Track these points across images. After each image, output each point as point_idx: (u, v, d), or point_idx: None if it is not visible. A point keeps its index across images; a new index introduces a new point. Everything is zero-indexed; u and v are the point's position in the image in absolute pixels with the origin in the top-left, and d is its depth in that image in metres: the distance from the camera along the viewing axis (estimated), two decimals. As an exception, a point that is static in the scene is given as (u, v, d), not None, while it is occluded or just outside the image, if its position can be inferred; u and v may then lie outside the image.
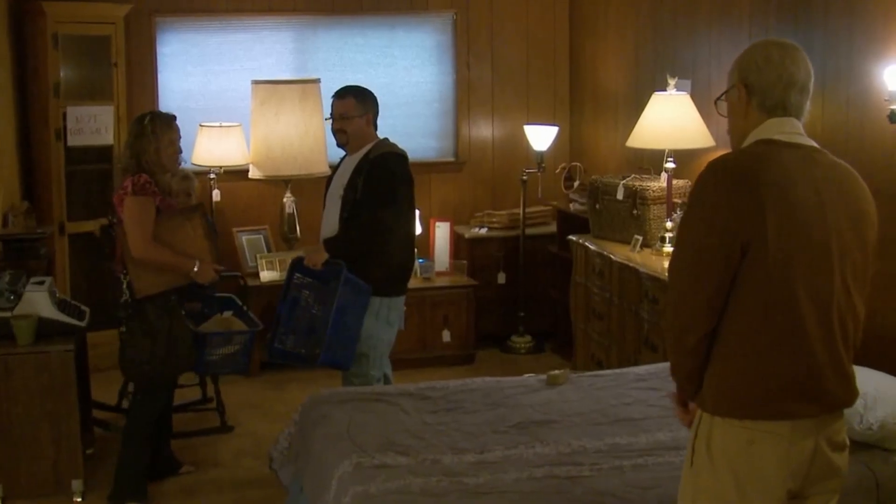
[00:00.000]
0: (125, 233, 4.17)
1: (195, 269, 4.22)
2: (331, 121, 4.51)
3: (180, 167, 4.60)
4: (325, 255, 4.30)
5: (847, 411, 3.30)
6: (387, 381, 4.54)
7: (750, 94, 2.38)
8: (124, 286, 4.22)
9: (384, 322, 4.40)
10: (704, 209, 2.29)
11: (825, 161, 2.37)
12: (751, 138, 2.38)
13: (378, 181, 4.31)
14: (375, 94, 4.54)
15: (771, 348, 2.28)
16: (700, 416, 2.37)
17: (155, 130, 4.23)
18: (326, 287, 4.28)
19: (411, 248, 4.53)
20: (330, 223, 4.43)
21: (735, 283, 2.27)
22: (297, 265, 4.40)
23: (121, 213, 4.21)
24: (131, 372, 4.36)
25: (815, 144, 2.39)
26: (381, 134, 4.54)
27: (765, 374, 2.28)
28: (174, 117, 4.36)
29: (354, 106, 4.44)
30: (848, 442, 2.43)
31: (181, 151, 4.40)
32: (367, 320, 4.33)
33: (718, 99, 2.50)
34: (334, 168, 4.67)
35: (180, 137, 4.36)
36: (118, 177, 4.54)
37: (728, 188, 2.26)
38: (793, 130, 2.37)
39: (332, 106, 4.52)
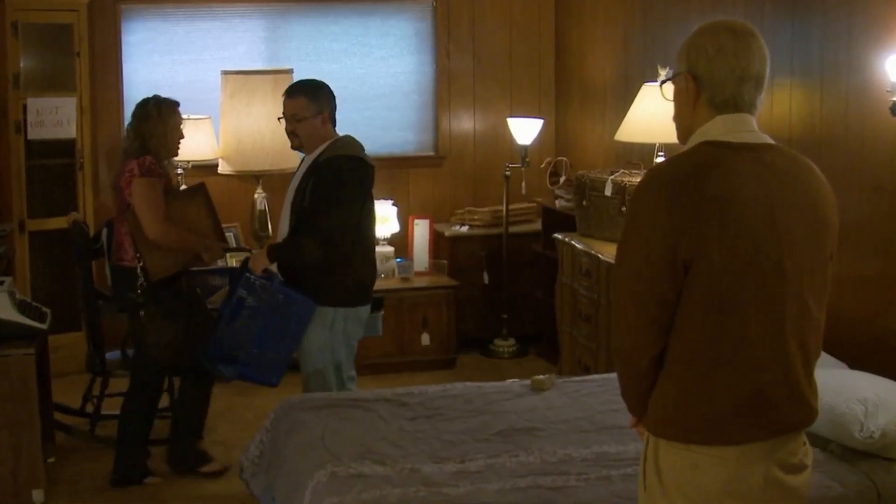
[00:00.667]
0: (135, 216, 4.21)
1: (206, 247, 4.37)
2: (283, 121, 4.24)
3: None
4: (266, 263, 4.11)
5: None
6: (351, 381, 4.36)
7: (699, 88, 2.21)
8: (138, 270, 4.29)
9: (340, 334, 4.18)
10: (642, 225, 2.15)
11: (779, 163, 2.20)
12: (697, 137, 2.22)
13: (324, 187, 4.03)
14: (332, 88, 4.24)
15: (715, 369, 2.17)
16: (647, 438, 2.28)
17: (161, 114, 4.32)
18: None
19: (370, 258, 4.29)
20: (283, 229, 4.21)
21: (679, 301, 2.14)
22: (246, 266, 4.19)
23: (128, 197, 4.25)
24: (155, 355, 4.39)
25: (768, 141, 2.23)
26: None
27: (709, 396, 2.17)
28: (178, 103, 4.44)
29: (306, 106, 4.14)
30: (809, 461, 2.30)
31: (183, 137, 4.48)
32: (319, 333, 4.13)
33: (663, 83, 2.35)
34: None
35: (183, 123, 4.46)
36: (119, 161, 4.58)
37: (668, 203, 2.11)
38: (744, 128, 2.20)
39: (283, 105, 4.23)
